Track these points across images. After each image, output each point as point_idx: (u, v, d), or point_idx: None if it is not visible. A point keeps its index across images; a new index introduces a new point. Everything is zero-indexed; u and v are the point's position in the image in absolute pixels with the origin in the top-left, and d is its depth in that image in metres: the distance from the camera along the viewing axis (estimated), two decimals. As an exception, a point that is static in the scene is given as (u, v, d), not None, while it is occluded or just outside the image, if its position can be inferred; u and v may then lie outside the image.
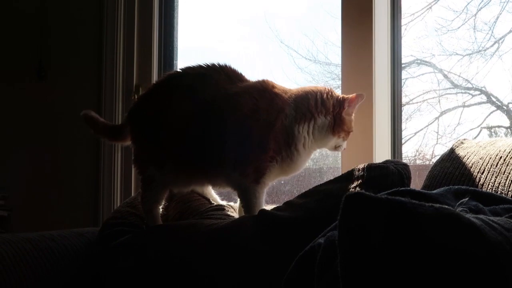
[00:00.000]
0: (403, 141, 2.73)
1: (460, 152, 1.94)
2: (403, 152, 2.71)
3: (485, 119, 2.71)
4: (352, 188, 1.87)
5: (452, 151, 1.98)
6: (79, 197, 3.25)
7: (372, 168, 1.91)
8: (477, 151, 1.90)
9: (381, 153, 2.59)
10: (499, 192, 1.71)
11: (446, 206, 1.19)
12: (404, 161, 2.58)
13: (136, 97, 3.10)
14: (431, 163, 2.07)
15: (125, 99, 3.17)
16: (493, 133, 2.73)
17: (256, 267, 1.80)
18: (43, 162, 3.37)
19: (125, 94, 3.18)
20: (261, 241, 1.86)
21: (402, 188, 1.54)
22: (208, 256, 1.91)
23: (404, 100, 2.76)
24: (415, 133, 2.82)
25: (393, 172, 1.88)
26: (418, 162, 2.85)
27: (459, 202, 1.42)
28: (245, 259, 1.84)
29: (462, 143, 2.01)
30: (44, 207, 3.34)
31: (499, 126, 2.72)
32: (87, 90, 3.28)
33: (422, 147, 2.85)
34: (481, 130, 2.71)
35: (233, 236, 1.92)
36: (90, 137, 3.18)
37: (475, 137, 2.68)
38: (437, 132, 2.80)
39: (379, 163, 1.94)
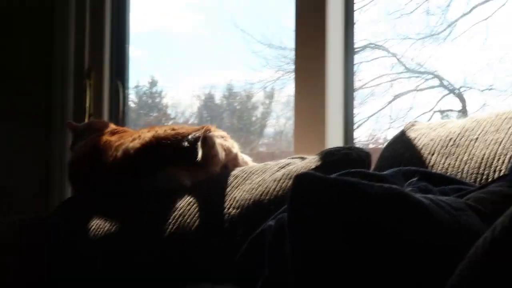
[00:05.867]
0: (356, 125, 2.74)
1: (411, 134, 1.95)
2: (356, 136, 2.72)
3: (437, 103, 2.73)
4: (312, 170, 1.88)
5: (403, 133, 1.99)
6: (30, 184, 3.20)
7: (333, 153, 1.93)
8: (428, 133, 1.91)
9: (334, 138, 2.60)
10: (449, 173, 1.72)
11: (395, 186, 1.19)
12: (357, 145, 2.60)
13: (89, 83, 3.08)
14: (384, 147, 2.09)
15: (76, 83, 3.12)
16: (445, 117, 2.75)
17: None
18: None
19: (76, 78, 3.13)
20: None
21: (353, 170, 1.54)
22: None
23: (358, 84, 2.76)
24: (368, 118, 2.83)
25: (355, 159, 1.89)
26: (371, 146, 2.86)
27: (408, 182, 1.43)
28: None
29: (413, 125, 2.01)
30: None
31: (451, 110, 2.74)
32: (37, 74, 3.22)
33: (375, 131, 2.87)
34: (433, 114, 2.73)
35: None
36: (39, 123, 3.15)
37: (427, 121, 2.70)
38: (390, 116, 2.81)
39: (342, 147, 1.96)
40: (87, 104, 3.06)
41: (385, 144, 2.10)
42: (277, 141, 3.15)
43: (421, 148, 1.85)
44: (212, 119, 3.39)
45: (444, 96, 2.72)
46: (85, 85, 3.09)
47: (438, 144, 1.82)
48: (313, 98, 2.58)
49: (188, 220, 1.94)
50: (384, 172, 1.55)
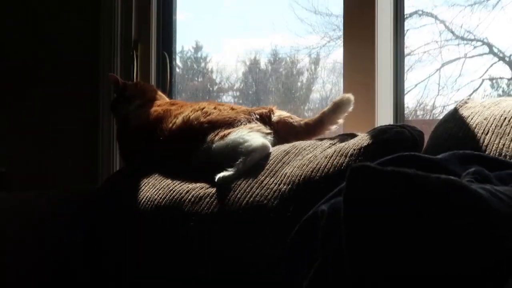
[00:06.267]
0: (404, 92, 2.72)
1: (464, 112, 1.92)
2: (404, 103, 2.70)
3: (487, 70, 2.69)
4: (364, 147, 1.87)
5: (455, 111, 1.96)
6: (77, 155, 3.23)
7: (385, 131, 1.91)
8: (481, 111, 1.87)
9: (383, 105, 2.59)
10: (503, 154, 1.69)
11: (453, 178, 1.17)
12: (405, 111, 2.59)
13: (136, 54, 3.09)
14: (432, 114, 2.06)
15: (123, 55, 3.13)
16: (494, 84, 2.71)
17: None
18: (41, 120, 3.34)
19: (123, 50, 3.13)
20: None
21: (406, 153, 1.52)
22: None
23: (405, 51, 2.73)
24: (416, 85, 2.80)
25: (408, 138, 1.87)
26: (419, 113, 2.84)
27: (465, 172, 1.40)
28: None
29: (466, 103, 1.98)
30: (43, 165, 3.32)
31: (501, 78, 2.70)
32: (84, 46, 3.23)
33: (423, 98, 2.84)
34: (482, 81, 2.69)
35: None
36: (87, 94, 3.17)
37: (476, 89, 2.67)
38: (438, 84, 2.78)
39: (394, 125, 1.94)
40: (135, 75, 3.08)
41: (434, 112, 2.07)
42: (323, 107, 3.13)
43: (475, 127, 1.82)
44: (257, 84, 3.38)
45: (494, 63, 2.68)
46: (132, 56, 3.09)
47: (492, 123, 1.79)
48: (362, 66, 2.57)
49: (238, 195, 1.94)
50: (439, 156, 1.53)
